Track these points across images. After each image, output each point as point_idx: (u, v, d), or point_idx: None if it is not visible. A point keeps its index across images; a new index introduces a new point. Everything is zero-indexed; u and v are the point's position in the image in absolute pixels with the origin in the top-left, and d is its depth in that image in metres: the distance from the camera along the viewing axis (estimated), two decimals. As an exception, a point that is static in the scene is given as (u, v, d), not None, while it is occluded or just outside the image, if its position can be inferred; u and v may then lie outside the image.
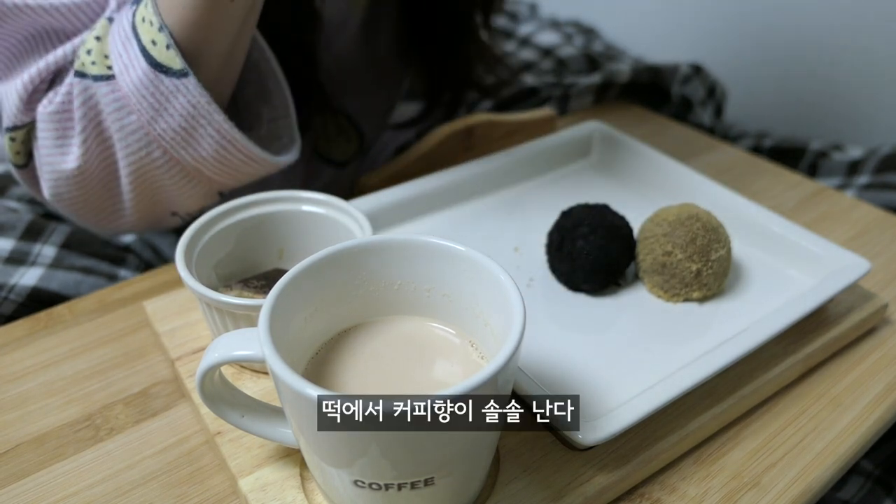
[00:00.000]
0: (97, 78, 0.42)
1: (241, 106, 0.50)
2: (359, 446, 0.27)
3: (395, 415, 0.25)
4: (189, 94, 0.41)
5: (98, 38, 0.42)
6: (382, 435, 0.26)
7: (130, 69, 0.41)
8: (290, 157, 0.47)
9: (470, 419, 0.28)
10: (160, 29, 0.40)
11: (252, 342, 0.30)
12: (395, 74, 0.69)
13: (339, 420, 0.26)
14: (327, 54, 0.58)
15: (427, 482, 0.29)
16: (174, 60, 0.40)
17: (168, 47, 0.40)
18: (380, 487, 0.29)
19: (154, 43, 0.40)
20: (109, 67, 0.42)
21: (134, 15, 0.41)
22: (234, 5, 0.41)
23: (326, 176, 0.64)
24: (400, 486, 0.29)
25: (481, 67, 0.70)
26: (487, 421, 0.29)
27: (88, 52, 0.42)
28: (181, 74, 0.41)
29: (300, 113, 0.50)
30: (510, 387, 0.30)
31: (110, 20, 0.44)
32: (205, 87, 0.42)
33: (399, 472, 0.28)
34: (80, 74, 0.42)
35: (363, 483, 0.29)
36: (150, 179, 0.45)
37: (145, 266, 0.60)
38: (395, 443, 0.27)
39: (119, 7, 0.45)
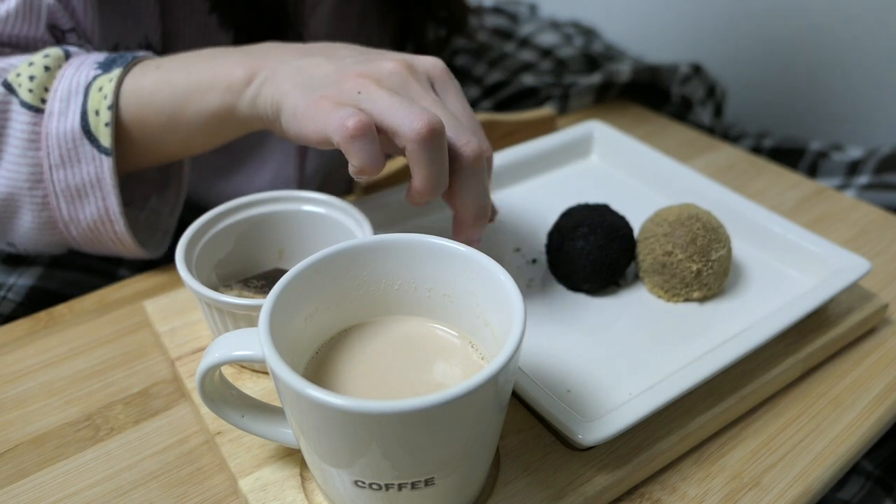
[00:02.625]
0: (25, 104, 0.43)
1: (133, 177, 0.51)
2: (359, 446, 0.27)
3: (396, 415, 0.25)
4: (99, 169, 0.43)
5: (47, 69, 0.44)
6: (383, 435, 0.26)
7: (63, 118, 0.43)
8: (154, 253, 0.49)
9: (470, 420, 0.28)
10: (109, 107, 0.42)
11: (252, 342, 0.30)
12: (376, 38, 0.68)
13: (339, 420, 0.26)
14: (305, 31, 0.58)
15: (427, 482, 0.29)
16: (105, 138, 0.43)
17: (107, 125, 0.42)
18: (380, 487, 0.29)
19: (97, 113, 0.42)
20: (43, 101, 0.43)
21: (94, 79, 0.43)
22: (188, 136, 0.44)
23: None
24: (400, 487, 0.29)
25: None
26: (487, 421, 0.29)
27: (31, 77, 0.43)
28: (104, 151, 0.43)
29: None
30: (510, 387, 0.30)
31: (67, 54, 0.45)
32: (118, 166, 0.45)
33: (399, 472, 0.28)
34: (9, 89, 0.43)
35: (363, 483, 0.29)
36: (14, 206, 0.45)
37: (145, 265, 0.59)
38: (395, 443, 0.27)
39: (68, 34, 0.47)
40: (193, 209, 0.63)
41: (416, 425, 0.26)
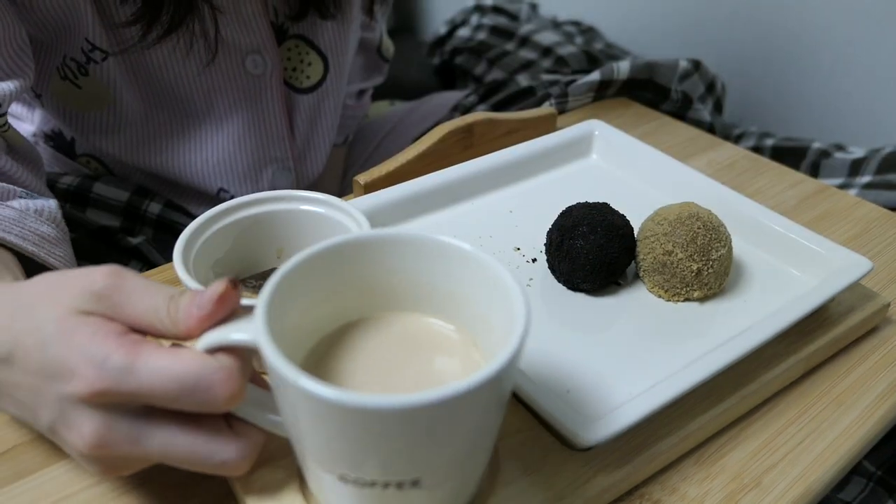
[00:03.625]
0: None
1: None
2: (347, 440, 0.27)
3: (391, 412, 0.25)
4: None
5: None
6: (378, 431, 0.26)
7: None
8: None
9: (468, 419, 0.27)
10: None
11: (249, 327, 0.29)
12: None
13: (329, 412, 0.26)
14: None
15: (414, 483, 0.28)
16: None
17: None
18: (364, 484, 0.28)
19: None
20: None
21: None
22: None
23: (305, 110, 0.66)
24: (385, 485, 0.28)
25: None
26: (486, 422, 0.29)
27: None
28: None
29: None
30: (510, 387, 0.30)
31: None
32: None
33: (396, 469, 0.28)
34: None
35: (348, 478, 0.28)
36: None
37: (145, 265, 0.59)
38: (388, 440, 0.27)
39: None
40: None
41: (413, 422, 0.26)
